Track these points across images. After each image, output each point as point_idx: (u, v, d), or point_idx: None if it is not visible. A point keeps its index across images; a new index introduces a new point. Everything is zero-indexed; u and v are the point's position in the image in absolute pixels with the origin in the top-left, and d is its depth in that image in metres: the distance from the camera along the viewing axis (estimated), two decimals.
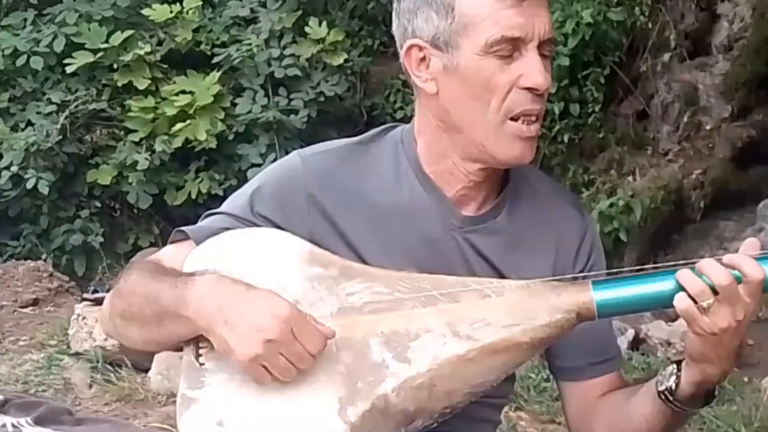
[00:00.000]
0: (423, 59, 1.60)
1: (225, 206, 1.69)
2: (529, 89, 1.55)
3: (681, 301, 1.45)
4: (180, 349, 1.61)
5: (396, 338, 1.51)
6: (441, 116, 1.61)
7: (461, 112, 1.59)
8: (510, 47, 1.54)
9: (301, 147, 5.64)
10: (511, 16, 1.53)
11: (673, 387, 1.54)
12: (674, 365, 1.56)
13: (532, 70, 1.55)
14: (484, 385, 1.54)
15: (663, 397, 1.55)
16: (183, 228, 1.68)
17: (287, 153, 5.76)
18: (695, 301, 1.44)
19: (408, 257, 1.61)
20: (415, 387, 1.49)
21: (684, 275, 1.46)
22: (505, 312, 1.50)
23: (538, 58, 1.56)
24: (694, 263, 1.48)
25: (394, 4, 1.64)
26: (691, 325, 1.46)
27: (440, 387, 1.50)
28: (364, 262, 1.60)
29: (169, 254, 1.68)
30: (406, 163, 1.66)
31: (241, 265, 1.57)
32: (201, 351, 1.55)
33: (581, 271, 1.69)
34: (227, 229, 1.63)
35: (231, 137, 6.22)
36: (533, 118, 1.58)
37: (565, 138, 5.79)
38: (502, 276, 1.62)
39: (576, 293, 1.50)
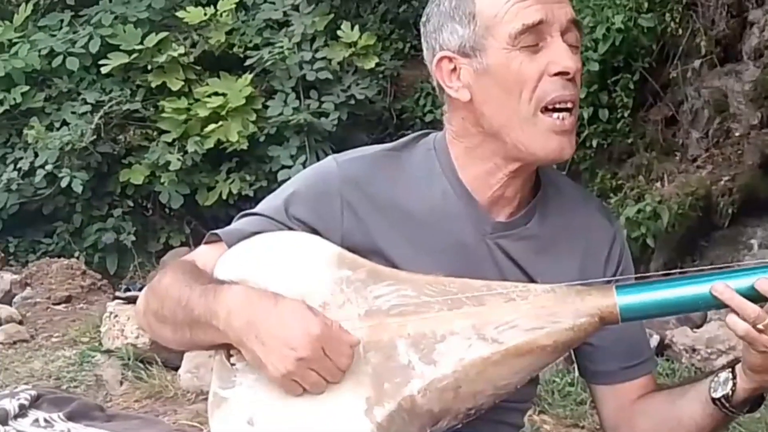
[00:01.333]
0: (453, 70, 1.63)
1: (260, 208, 1.72)
2: (559, 74, 1.58)
3: (738, 327, 1.47)
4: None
5: (422, 340, 1.54)
6: (478, 121, 1.64)
7: (495, 111, 1.61)
8: (534, 36, 1.57)
9: (332, 149, 5.65)
10: (529, 5, 1.57)
11: (730, 394, 1.56)
12: (728, 372, 1.57)
13: (559, 55, 1.58)
14: (509, 387, 1.57)
15: (719, 404, 1.57)
16: (216, 231, 1.71)
17: (317, 155, 5.79)
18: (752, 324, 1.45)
19: (440, 262, 1.63)
20: (440, 388, 1.52)
21: (736, 303, 1.46)
22: (529, 315, 1.53)
23: (564, 44, 1.59)
24: (719, 269, 1.50)
25: (421, 29, 1.69)
26: (752, 346, 1.48)
27: (465, 388, 1.53)
28: (396, 266, 1.62)
29: (203, 255, 1.71)
30: (439, 170, 1.68)
31: (271, 269, 1.61)
32: (232, 351, 1.59)
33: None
34: (259, 231, 1.66)
35: (262, 139, 6.25)
36: (568, 105, 1.60)
37: (594, 143, 5.78)
38: (532, 281, 1.65)
39: (600, 297, 1.53)
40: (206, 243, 1.73)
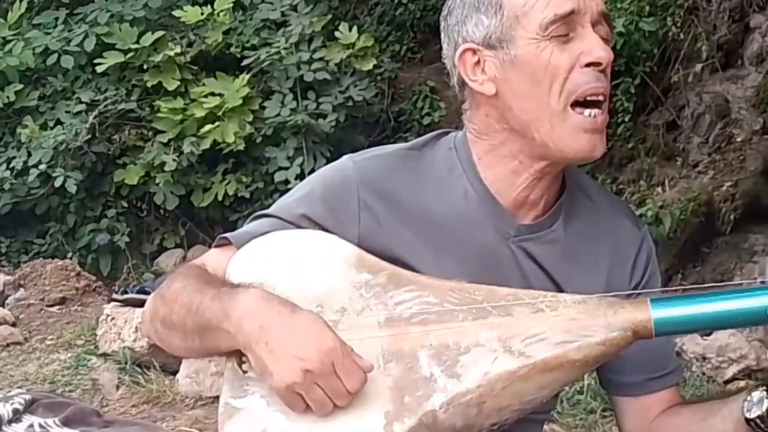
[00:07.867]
0: (477, 63, 1.58)
1: (272, 209, 1.66)
2: (591, 65, 1.53)
3: None
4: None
5: (445, 351, 1.48)
6: (503, 117, 1.58)
7: (523, 104, 1.55)
8: (565, 26, 1.52)
9: (330, 151, 5.58)
10: None
11: (765, 414, 1.49)
12: (763, 391, 1.51)
13: (591, 45, 1.53)
14: (535, 402, 1.51)
15: (753, 424, 1.50)
16: (226, 234, 1.65)
17: (315, 157, 5.71)
18: None
19: (461, 266, 1.57)
20: (464, 403, 1.46)
21: None
22: (559, 328, 1.47)
23: (595, 34, 1.54)
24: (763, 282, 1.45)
25: (441, 24, 1.64)
26: None
27: (490, 404, 1.46)
28: (415, 270, 1.56)
29: (213, 259, 1.65)
30: (460, 170, 1.63)
31: (287, 269, 1.55)
32: (244, 359, 1.52)
33: (636, 286, 1.65)
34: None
35: (259, 140, 6.17)
36: (600, 98, 1.54)
37: None
38: (557, 286, 1.60)
39: (633, 311, 1.47)
40: (216, 246, 1.67)
